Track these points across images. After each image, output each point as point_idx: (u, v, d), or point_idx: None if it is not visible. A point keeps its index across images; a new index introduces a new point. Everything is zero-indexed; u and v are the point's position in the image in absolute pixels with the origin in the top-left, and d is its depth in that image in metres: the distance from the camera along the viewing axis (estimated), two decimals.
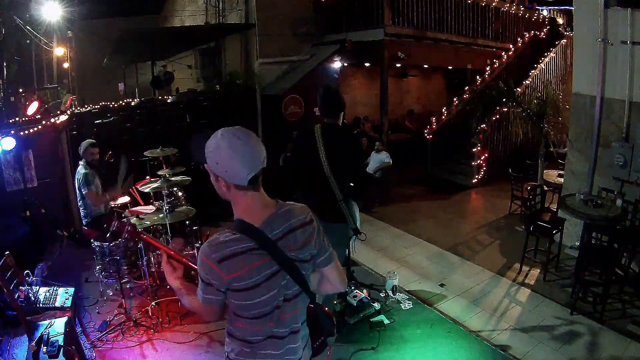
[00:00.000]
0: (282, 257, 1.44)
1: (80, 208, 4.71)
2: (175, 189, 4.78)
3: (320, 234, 1.57)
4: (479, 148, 7.98)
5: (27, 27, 6.52)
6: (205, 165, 1.47)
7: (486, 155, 8.08)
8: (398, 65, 8.81)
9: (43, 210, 5.01)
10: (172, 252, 1.64)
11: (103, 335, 3.59)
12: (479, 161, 8.02)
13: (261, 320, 1.45)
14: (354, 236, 3.29)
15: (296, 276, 1.48)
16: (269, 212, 1.47)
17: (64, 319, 2.85)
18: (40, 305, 3.03)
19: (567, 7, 10.67)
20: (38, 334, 2.65)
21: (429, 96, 12.25)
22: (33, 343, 2.56)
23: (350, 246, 3.58)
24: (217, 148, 1.39)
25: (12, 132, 4.75)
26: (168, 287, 4.12)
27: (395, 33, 7.67)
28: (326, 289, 1.69)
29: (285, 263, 1.44)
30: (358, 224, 3.28)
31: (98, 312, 3.95)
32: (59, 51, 8.30)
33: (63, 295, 3.18)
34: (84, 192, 4.49)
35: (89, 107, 6.68)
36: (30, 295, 3.05)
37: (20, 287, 3.05)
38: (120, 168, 4.67)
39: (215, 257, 1.37)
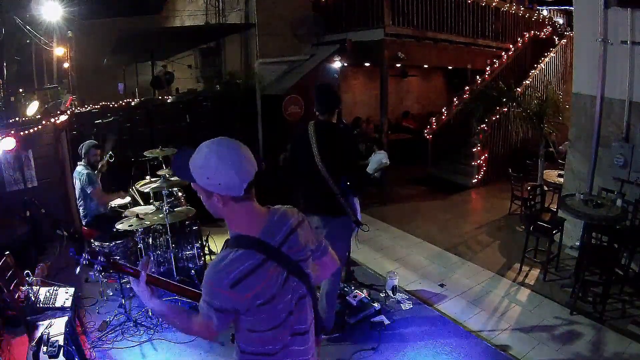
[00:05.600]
0: (288, 261, 1.42)
1: (80, 208, 4.72)
2: (175, 189, 4.77)
3: (312, 229, 1.60)
4: (479, 148, 7.97)
5: (27, 27, 6.51)
6: (193, 184, 1.40)
7: (486, 155, 8.08)
8: (398, 65, 8.80)
9: (43, 210, 5.00)
10: (153, 277, 1.53)
11: (103, 335, 3.59)
12: (478, 161, 8.02)
13: (277, 330, 1.42)
14: (357, 229, 3.30)
15: (302, 276, 1.47)
16: (265, 220, 1.44)
17: (64, 319, 2.85)
18: (40, 305, 3.03)
19: (567, 7, 10.68)
20: (38, 334, 2.64)
21: (429, 96, 12.24)
22: (33, 343, 2.56)
23: (352, 241, 3.55)
24: (206, 163, 1.32)
25: (12, 132, 4.75)
26: None
27: (395, 33, 7.66)
28: (324, 275, 1.72)
29: (291, 266, 1.43)
30: (359, 216, 3.27)
31: (98, 312, 3.95)
32: (59, 51, 8.27)
33: (63, 295, 3.17)
34: (89, 191, 4.49)
35: (89, 107, 6.66)
36: (30, 295, 3.05)
37: (20, 287, 3.05)
38: (106, 147, 4.85)
39: (227, 284, 1.31)
